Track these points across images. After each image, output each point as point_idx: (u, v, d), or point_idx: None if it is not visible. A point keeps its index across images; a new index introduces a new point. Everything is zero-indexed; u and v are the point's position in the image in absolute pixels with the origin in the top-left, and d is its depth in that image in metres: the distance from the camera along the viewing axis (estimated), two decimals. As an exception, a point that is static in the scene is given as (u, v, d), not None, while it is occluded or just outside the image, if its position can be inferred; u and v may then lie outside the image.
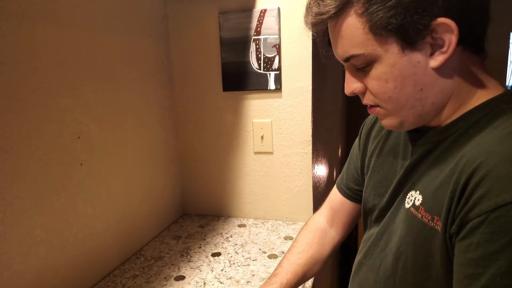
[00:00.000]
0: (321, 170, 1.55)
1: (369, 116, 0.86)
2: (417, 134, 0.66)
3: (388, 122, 0.65)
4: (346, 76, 0.65)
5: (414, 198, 0.63)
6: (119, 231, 1.17)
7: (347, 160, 0.92)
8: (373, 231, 0.75)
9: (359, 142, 0.86)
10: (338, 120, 2.16)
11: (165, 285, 1.05)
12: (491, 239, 0.49)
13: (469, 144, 0.56)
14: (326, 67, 1.61)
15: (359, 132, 0.88)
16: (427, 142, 0.64)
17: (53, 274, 0.93)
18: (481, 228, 0.50)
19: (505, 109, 0.56)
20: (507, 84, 4.96)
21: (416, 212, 0.61)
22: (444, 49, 0.55)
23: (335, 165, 2.03)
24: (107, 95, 1.10)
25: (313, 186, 1.38)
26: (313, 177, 1.37)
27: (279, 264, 0.87)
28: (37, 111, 0.88)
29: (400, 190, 0.67)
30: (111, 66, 1.11)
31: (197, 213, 1.53)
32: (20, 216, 0.84)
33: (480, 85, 0.59)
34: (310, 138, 1.34)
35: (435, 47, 0.56)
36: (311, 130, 1.33)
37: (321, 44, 0.68)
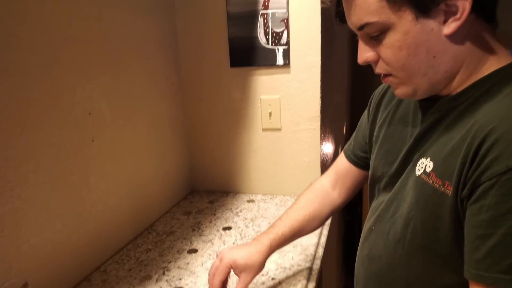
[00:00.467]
0: (328, 146, 1.56)
1: (379, 87, 0.86)
2: (428, 102, 0.67)
3: (401, 91, 0.65)
4: (359, 45, 0.65)
5: (425, 165, 0.64)
6: (131, 207, 1.18)
7: (356, 130, 0.94)
8: (382, 198, 0.76)
9: (368, 112, 0.88)
10: (344, 97, 2.16)
11: (179, 258, 1.07)
12: (502, 200, 0.50)
13: (480, 111, 0.57)
14: (333, 42, 1.59)
15: (368, 103, 0.89)
16: (438, 110, 0.65)
17: (69, 248, 0.95)
18: (492, 191, 0.51)
19: None
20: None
21: (427, 178, 0.62)
22: (457, 16, 0.56)
23: (341, 142, 2.03)
24: (115, 71, 1.09)
25: (321, 162, 1.39)
26: (321, 153, 1.38)
27: (279, 218, 0.92)
28: (49, 86, 0.87)
29: (411, 158, 0.68)
30: (119, 42, 1.10)
31: (205, 190, 1.55)
32: (36, 190, 0.85)
33: (491, 53, 0.60)
34: (318, 114, 1.33)
35: (449, 14, 0.56)
36: (319, 106, 1.32)
37: (334, 13, 0.68)
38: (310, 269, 0.99)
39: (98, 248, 1.05)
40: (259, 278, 0.95)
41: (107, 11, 1.04)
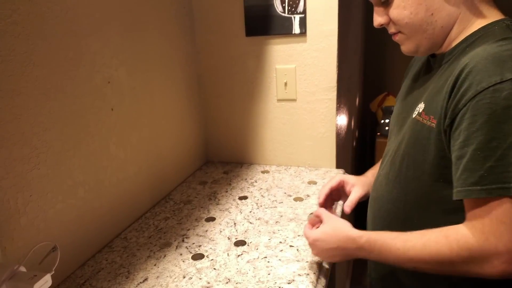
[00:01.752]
0: (343, 117, 1.55)
1: (413, 58, 0.95)
2: (432, 59, 0.79)
3: (406, 47, 0.77)
4: (374, 11, 0.77)
5: (419, 108, 0.74)
6: (149, 175, 1.20)
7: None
8: (389, 146, 0.87)
9: (405, 76, 0.95)
10: (357, 67, 2.13)
11: (197, 225, 1.09)
12: (473, 120, 0.60)
13: (463, 58, 0.67)
14: (349, 11, 1.55)
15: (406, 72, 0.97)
16: (437, 65, 0.76)
17: (91, 215, 0.97)
18: (466, 115, 0.61)
19: (495, 31, 0.67)
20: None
21: (419, 118, 0.73)
22: None
23: (354, 113, 2.02)
24: (133, 39, 1.08)
25: (336, 133, 1.39)
26: (336, 124, 1.38)
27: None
28: (70, 53, 0.87)
29: (413, 108, 0.78)
30: (135, 10, 1.08)
31: (220, 161, 1.56)
32: (60, 157, 0.86)
33: (481, 14, 0.70)
34: (334, 84, 1.32)
35: None
36: (336, 76, 1.31)
37: None
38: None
39: (118, 215, 1.07)
40: (278, 245, 0.97)
41: (123, -24, 1.02)
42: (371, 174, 0.98)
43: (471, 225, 0.62)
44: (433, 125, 0.68)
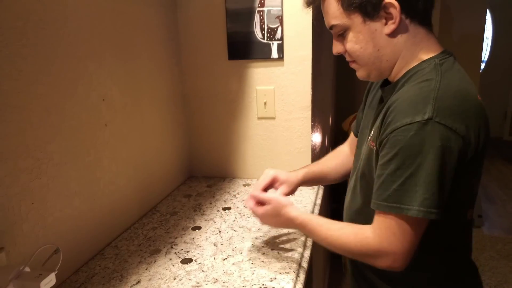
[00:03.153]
0: (317, 135, 1.67)
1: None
2: (383, 91, 0.89)
3: (360, 74, 0.88)
4: (333, 40, 0.88)
5: (370, 134, 0.87)
6: (137, 188, 1.27)
7: (358, 111, 1.11)
8: (353, 169, 1.00)
9: (364, 97, 1.06)
10: (330, 90, 2.28)
11: (184, 234, 1.16)
12: (389, 151, 0.74)
13: (395, 95, 0.79)
14: (321, 38, 1.70)
15: (366, 90, 1.08)
16: (385, 96, 0.87)
17: (85, 224, 1.03)
18: (386, 145, 0.75)
19: (424, 70, 0.78)
20: (482, 58, 5.13)
21: (369, 143, 0.86)
22: (393, 20, 0.77)
23: (327, 132, 2.16)
24: (125, 61, 1.17)
25: (312, 148, 1.51)
26: (311, 140, 1.49)
27: (310, 164, 1.18)
28: (70, 74, 0.95)
29: (367, 134, 0.91)
30: (128, 33, 1.18)
31: (203, 175, 1.64)
32: (59, 169, 0.93)
33: (422, 49, 0.80)
34: (309, 103, 1.45)
35: (388, 19, 0.78)
36: (310, 96, 1.44)
37: (318, 17, 0.92)
38: (305, 240, 1.10)
39: (109, 225, 1.13)
40: (260, 249, 1.05)
41: (118, 5, 1.12)
42: (308, 169, 1.12)
43: (374, 229, 0.78)
44: (374, 148, 0.82)
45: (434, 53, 0.80)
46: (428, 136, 0.69)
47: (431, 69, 0.77)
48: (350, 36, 0.82)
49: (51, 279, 0.74)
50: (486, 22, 3.91)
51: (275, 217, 0.95)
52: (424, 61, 0.80)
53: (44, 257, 0.82)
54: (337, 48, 0.87)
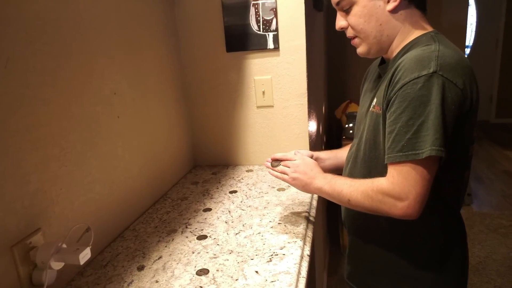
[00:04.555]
0: (313, 121, 1.77)
1: (367, 70, 1.16)
2: (381, 68, 0.99)
3: (361, 49, 0.97)
4: (337, 16, 0.97)
5: (373, 103, 0.96)
6: (149, 176, 1.35)
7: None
8: (354, 140, 1.08)
9: (361, 88, 1.15)
10: (323, 80, 2.37)
11: (196, 215, 1.25)
12: (399, 106, 0.82)
13: (399, 60, 0.88)
14: (313, 29, 1.79)
15: (362, 80, 1.17)
16: (384, 71, 0.96)
17: (106, 209, 1.11)
18: (395, 101, 0.83)
19: (423, 40, 0.89)
20: (467, 44, 5.27)
21: (373, 109, 0.95)
22: None
23: (321, 119, 2.25)
24: (132, 56, 1.25)
25: (309, 133, 1.60)
26: (308, 126, 1.58)
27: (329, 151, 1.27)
28: (85, 69, 1.03)
29: (370, 103, 0.99)
30: (132, 30, 1.26)
31: (207, 164, 1.73)
32: (81, 157, 1.01)
33: (417, 28, 0.92)
34: (305, 90, 1.54)
35: None
36: (306, 83, 1.53)
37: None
38: (308, 215, 1.19)
39: (127, 210, 1.22)
40: (268, 224, 1.14)
41: (123, 2, 1.20)
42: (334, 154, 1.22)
43: (387, 178, 0.85)
44: (380, 111, 0.90)
45: (427, 30, 0.92)
46: (434, 86, 0.78)
47: (428, 38, 0.88)
48: (355, 10, 0.91)
49: (87, 252, 0.83)
50: (469, 8, 4.02)
51: (303, 185, 1.02)
52: (420, 35, 0.90)
53: (76, 236, 0.90)
54: (340, 23, 0.96)
